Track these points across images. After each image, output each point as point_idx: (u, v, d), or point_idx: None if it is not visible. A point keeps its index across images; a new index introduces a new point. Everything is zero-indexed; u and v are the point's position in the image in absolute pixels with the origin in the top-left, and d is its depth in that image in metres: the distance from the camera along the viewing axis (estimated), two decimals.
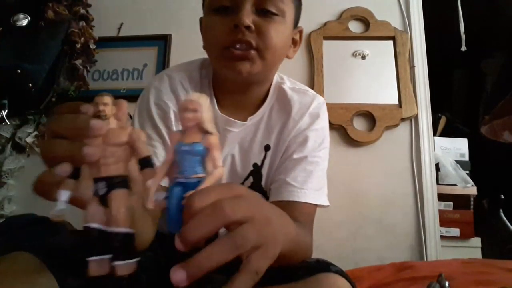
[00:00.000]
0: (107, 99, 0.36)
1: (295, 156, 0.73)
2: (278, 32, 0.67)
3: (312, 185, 0.71)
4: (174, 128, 0.71)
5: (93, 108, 0.36)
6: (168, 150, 0.38)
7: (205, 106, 0.37)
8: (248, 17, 0.63)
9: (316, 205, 0.72)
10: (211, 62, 0.74)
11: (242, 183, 0.77)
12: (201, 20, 0.76)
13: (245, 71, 0.66)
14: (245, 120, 0.76)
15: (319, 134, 0.76)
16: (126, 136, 0.36)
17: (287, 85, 0.80)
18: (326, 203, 0.74)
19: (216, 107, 0.75)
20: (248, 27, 0.63)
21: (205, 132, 0.37)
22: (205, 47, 0.73)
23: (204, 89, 0.76)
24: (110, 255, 0.35)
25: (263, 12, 0.66)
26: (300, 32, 0.78)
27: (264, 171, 0.76)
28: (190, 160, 0.37)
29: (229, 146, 0.77)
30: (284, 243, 0.42)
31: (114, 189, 0.35)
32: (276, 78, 0.80)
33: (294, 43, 0.78)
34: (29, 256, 0.54)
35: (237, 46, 0.64)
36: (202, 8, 0.74)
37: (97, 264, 0.34)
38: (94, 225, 0.35)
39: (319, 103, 0.79)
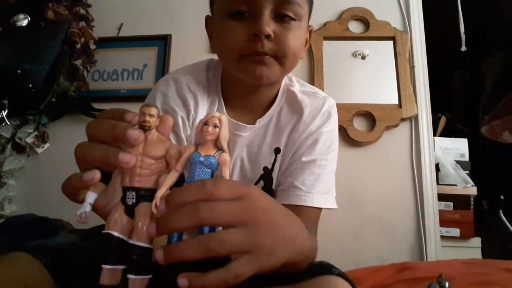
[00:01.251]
0: (154, 110, 0.37)
1: (304, 158, 0.72)
2: (296, 38, 0.66)
3: (319, 189, 0.71)
4: (182, 134, 0.70)
5: (138, 118, 0.37)
6: (181, 161, 0.38)
7: (225, 124, 0.39)
8: (269, 26, 0.61)
9: (322, 209, 0.72)
10: (224, 65, 0.73)
11: None
12: (207, 19, 0.74)
13: (264, 76, 0.65)
14: (254, 123, 0.75)
15: (329, 137, 0.75)
16: (163, 151, 0.37)
17: (297, 88, 0.78)
18: (334, 206, 0.73)
19: (225, 110, 0.74)
20: (268, 36, 0.62)
21: (219, 149, 0.39)
22: (215, 49, 0.71)
23: (212, 92, 0.75)
24: (125, 266, 0.35)
25: (281, 17, 0.64)
26: (310, 31, 0.76)
27: (275, 175, 0.75)
28: (203, 171, 0.38)
29: (238, 149, 0.76)
30: (290, 254, 0.42)
31: (142, 201, 0.36)
32: (284, 80, 0.79)
33: (306, 42, 0.76)
34: (28, 256, 0.54)
35: (255, 55, 0.63)
36: (210, 7, 0.72)
37: (110, 273, 0.35)
38: (116, 233, 0.35)
39: (329, 105, 0.77)
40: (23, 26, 1.50)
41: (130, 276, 0.35)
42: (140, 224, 0.35)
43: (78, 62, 1.61)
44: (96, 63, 1.70)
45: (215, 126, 0.38)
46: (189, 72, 0.75)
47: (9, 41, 1.48)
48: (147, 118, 0.36)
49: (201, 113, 0.72)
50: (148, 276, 0.35)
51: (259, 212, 0.39)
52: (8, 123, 1.55)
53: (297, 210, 0.68)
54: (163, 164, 0.38)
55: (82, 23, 1.62)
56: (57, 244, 0.60)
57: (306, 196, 0.69)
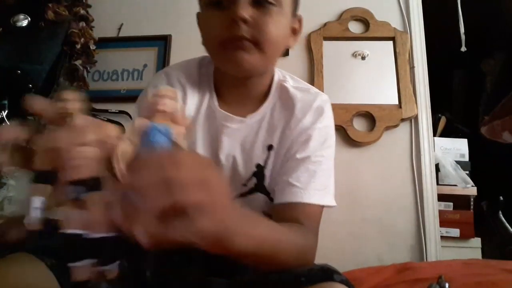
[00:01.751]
0: (70, 95, 0.35)
1: (298, 156, 0.72)
2: (276, 23, 0.65)
3: (315, 185, 0.69)
4: None
5: (53, 107, 0.34)
6: (135, 131, 0.37)
7: (179, 99, 0.38)
8: (244, 10, 0.62)
9: (321, 206, 0.70)
10: (210, 57, 0.74)
11: (245, 184, 0.76)
12: (198, 15, 0.76)
13: (245, 62, 0.65)
14: (245, 117, 0.75)
15: (322, 133, 0.74)
16: (96, 134, 0.34)
17: (290, 84, 0.78)
18: (332, 203, 0.72)
19: (216, 103, 0.75)
20: (244, 20, 0.62)
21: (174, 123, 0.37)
22: (203, 43, 0.72)
23: (203, 86, 0.76)
24: (94, 260, 0.34)
25: (259, 3, 0.64)
26: (300, 20, 0.76)
27: (268, 172, 0.75)
28: (161, 136, 0.36)
29: (230, 145, 0.75)
30: (246, 238, 0.43)
31: (87, 192, 0.34)
32: (278, 76, 0.79)
33: (294, 32, 0.76)
34: (31, 258, 0.54)
35: (236, 40, 0.63)
36: (199, 2, 0.73)
37: (79, 270, 0.34)
38: (70, 230, 0.33)
39: (322, 101, 0.77)
40: (23, 26, 1.50)
41: (99, 268, 0.34)
42: (96, 214, 0.33)
43: (78, 63, 1.61)
44: (96, 64, 1.69)
45: (173, 98, 0.36)
46: (180, 67, 0.78)
47: (9, 41, 1.48)
48: (63, 105, 0.34)
49: (190, 105, 0.73)
50: (117, 263, 0.35)
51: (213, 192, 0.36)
52: (8, 124, 1.55)
53: (294, 207, 0.67)
54: (101, 148, 0.34)
55: (82, 24, 1.62)
56: (60, 244, 0.61)
57: (302, 192, 0.68)
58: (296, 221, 0.64)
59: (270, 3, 0.64)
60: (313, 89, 0.80)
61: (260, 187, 0.75)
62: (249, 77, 0.73)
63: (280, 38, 0.68)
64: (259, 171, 0.75)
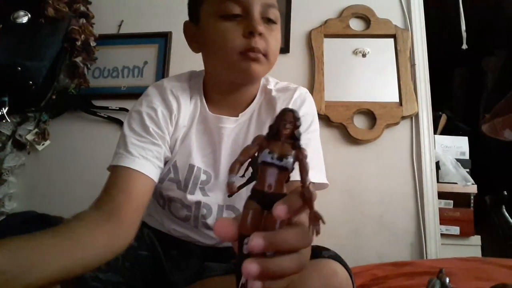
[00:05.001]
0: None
1: None
2: (277, 38, 0.75)
3: None
4: (163, 126, 0.76)
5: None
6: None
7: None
8: (261, 25, 0.70)
9: (313, 183, 0.72)
10: (217, 65, 0.76)
11: (243, 175, 0.78)
12: (188, 24, 0.80)
13: (257, 73, 0.72)
14: (238, 116, 0.81)
15: (305, 120, 0.80)
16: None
17: (272, 85, 0.85)
18: (324, 180, 0.77)
19: (207, 109, 0.80)
20: (260, 34, 0.70)
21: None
22: (207, 51, 0.77)
23: (194, 95, 0.81)
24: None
25: (266, 20, 0.72)
26: None
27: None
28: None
29: (230, 144, 0.80)
30: None
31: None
32: (262, 80, 0.85)
33: None
34: None
35: (252, 51, 0.70)
36: (191, 13, 0.78)
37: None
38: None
39: (301, 93, 0.84)
40: (23, 23, 1.49)
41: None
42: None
43: (79, 59, 1.60)
44: (96, 60, 1.69)
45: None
46: (172, 80, 0.83)
47: (9, 38, 1.48)
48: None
49: (184, 113, 0.79)
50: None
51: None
52: (9, 120, 1.55)
53: (289, 187, 0.68)
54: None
55: (83, 20, 1.61)
56: None
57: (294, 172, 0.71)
58: None
59: (273, 21, 0.73)
60: (292, 85, 0.87)
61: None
62: (246, 84, 0.79)
63: (278, 51, 0.77)
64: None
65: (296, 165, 0.34)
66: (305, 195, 0.32)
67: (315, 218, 0.32)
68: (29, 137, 1.63)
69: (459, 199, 1.64)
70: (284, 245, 0.31)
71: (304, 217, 0.34)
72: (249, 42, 0.69)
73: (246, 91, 0.81)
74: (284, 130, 0.33)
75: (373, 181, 1.55)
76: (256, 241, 0.30)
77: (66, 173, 1.64)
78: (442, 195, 1.60)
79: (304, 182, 0.33)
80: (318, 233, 0.33)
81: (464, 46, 1.83)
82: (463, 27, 1.85)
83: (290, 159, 0.33)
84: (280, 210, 0.31)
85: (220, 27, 0.71)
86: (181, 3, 1.86)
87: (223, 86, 0.79)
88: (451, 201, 1.65)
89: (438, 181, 1.58)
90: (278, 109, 0.78)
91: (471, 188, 1.64)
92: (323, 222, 0.32)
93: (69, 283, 0.55)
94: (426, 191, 1.52)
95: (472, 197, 1.65)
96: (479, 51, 2.34)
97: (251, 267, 0.29)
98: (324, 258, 0.58)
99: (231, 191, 0.34)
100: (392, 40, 1.66)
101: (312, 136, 0.80)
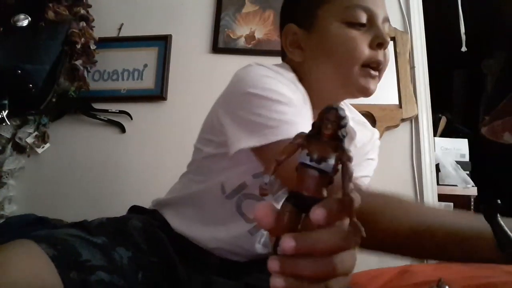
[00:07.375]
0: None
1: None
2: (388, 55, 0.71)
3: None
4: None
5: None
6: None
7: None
8: (388, 37, 0.66)
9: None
10: (326, 74, 0.70)
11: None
12: (292, 28, 0.72)
13: (373, 91, 0.69)
14: None
15: (369, 165, 0.92)
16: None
17: (348, 112, 0.80)
18: None
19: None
20: (386, 48, 0.67)
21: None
22: (321, 59, 0.70)
23: (306, 101, 0.71)
24: None
25: None
26: None
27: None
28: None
29: None
30: None
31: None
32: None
33: None
34: (33, 247, 0.54)
35: (374, 65, 0.67)
36: (307, 17, 0.71)
37: None
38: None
39: (377, 138, 0.89)
40: (23, 26, 1.50)
41: None
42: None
43: (79, 62, 1.60)
44: (96, 63, 1.69)
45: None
46: (284, 72, 0.71)
47: (10, 41, 1.48)
48: None
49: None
50: None
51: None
52: (8, 123, 1.55)
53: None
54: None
55: (83, 24, 1.62)
56: (64, 235, 0.60)
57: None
58: None
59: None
60: (366, 121, 0.88)
61: None
62: (345, 98, 0.78)
63: None
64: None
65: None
66: (345, 202, 0.29)
67: (354, 229, 0.29)
68: (29, 140, 1.63)
69: (459, 201, 1.64)
70: (319, 245, 0.29)
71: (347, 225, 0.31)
72: (376, 54, 0.66)
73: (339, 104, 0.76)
74: (326, 130, 0.30)
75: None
76: (288, 242, 0.28)
77: (66, 176, 1.64)
78: (442, 198, 1.60)
79: (345, 187, 0.30)
80: (356, 245, 0.30)
81: (464, 49, 1.84)
82: (463, 30, 1.85)
83: (331, 162, 0.30)
84: (317, 214, 0.28)
85: (349, 34, 0.66)
86: (181, 7, 1.86)
87: (325, 98, 0.70)
88: (451, 204, 1.64)
89: (438, 184, 1.58)
90: (357, 143, 0.80)
91: (471, 190, 1.64)
92: (363, 235, 0.29)
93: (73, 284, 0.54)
94: (426, 193, 1.52)
95: (472, 200, 1.64)
96: (479, 54, 2.34)
97: (286, 242, 0.27)
98: None
99: (262, 192, 0.32)
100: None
101: (366, 180, 0.84)
